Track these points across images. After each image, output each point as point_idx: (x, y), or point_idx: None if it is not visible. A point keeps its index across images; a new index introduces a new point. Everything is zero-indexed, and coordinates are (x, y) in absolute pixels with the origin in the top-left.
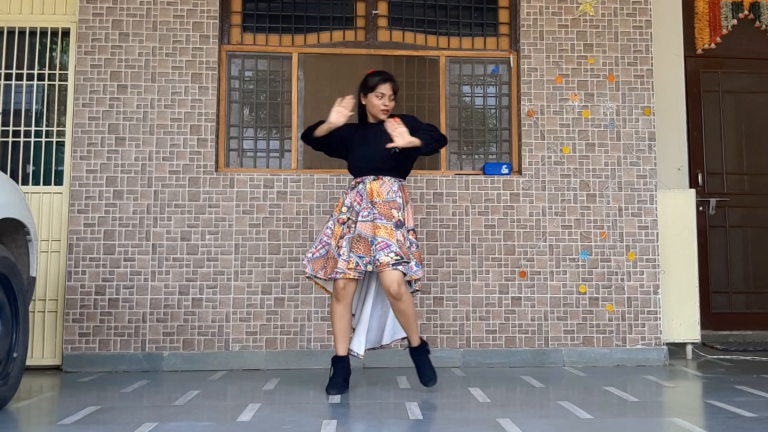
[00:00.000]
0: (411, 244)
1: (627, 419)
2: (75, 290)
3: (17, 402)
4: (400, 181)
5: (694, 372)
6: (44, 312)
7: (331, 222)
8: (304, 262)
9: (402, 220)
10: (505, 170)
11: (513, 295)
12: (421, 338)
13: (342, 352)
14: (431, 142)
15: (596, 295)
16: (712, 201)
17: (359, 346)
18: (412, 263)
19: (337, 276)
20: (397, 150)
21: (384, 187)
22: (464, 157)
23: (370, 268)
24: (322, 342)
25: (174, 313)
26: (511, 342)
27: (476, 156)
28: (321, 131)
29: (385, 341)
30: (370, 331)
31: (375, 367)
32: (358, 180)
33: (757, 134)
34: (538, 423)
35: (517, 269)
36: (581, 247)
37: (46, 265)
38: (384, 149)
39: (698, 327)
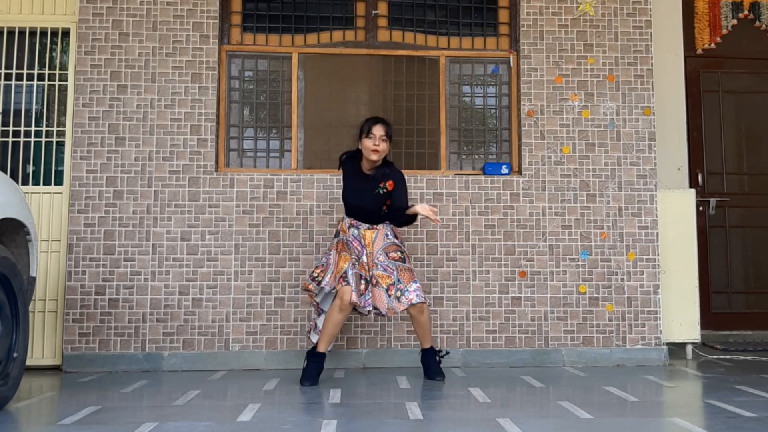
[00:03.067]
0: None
1: (627, 419)
2: (75, 290)
3: (17, 402)
4: (388, 224)
5: (694, 372)
6: (44, 312)
7: (334, 251)
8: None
9: (402, 252)
10: (505, 170)
11: (513, 295)
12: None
13: (322, 349)
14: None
15: (596, 295)
16: (712, 201)
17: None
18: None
19: (366, 307)
20: (383, 191)
21: (378, 235)
22: (464, 157)
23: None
24: None
25: (174, 313)
26: (511, 342)
27: (476, 156)
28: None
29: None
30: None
31: (375, 367)
32: (353, 223)
33: (757, 134)
34: (538, 423)
35: (517, 269)
36: (581, 247)
37: (46, 265)
38: (377, 204)
39: (698, 327)
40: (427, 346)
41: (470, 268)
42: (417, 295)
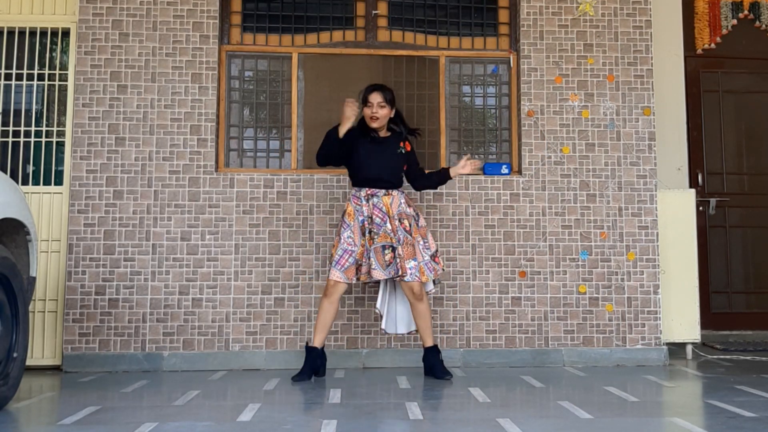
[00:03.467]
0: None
1: (627, 419)
2: (75, 290)
3: (17, 402)
4: (402, 192)
5: (694, 372)
6: (44, 312)
7: (348, 231)
8: (334, 276)
9: (413, 227)
10: (505, 170)
11: (513, 295)
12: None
13: (317, 344)
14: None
15: (596, 295)
16: (712, 201)
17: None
18: (427, 272)
19: (370, 278)
20: (403, 151)
21: (394, 202)
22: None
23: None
24: None
25: (174, 313)
26: (511, 342)
27: (476, 156)
28: (343, 131)
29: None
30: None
31: (375, 367)
32: (370, 192)
33: (757, 134)
34: (538, 423)
35: (517, 269)
36: (581, 247)
37: (46, 265)
38: (392, 164)
39: (698, 327)
40: (429, 344)
41: (470, 268)
42: (411, 274)
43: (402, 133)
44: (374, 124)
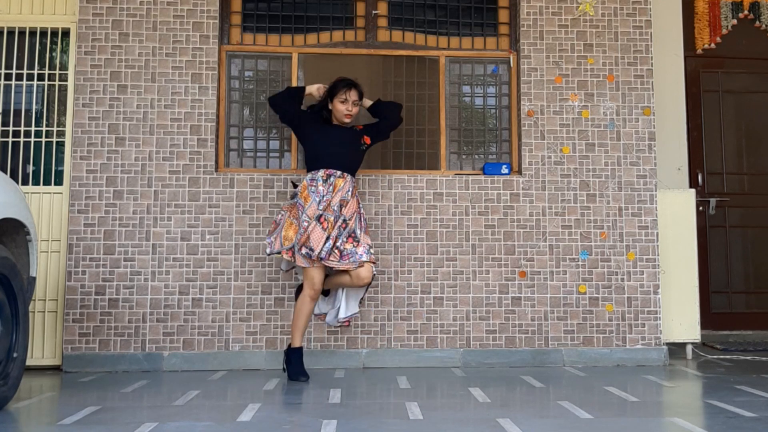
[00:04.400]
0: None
1: (627, 419)
2: (75, 290)
3: (17, 402)
4: (353, 181)
5: (694, 372)
6: (44, 312)
7: (305, 216)
8: (268, 241)
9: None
10: (505, 170)
11: (513, 295)
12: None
13: (299, 344)
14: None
15: (596, 295)
16: (712, 201)
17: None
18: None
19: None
20: (364, 147)
21: (345, 186)
22: (464, 157)
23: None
24: (322, 342)
25: (174, 313)
26: (511, 342)
27: (476, 156)
28: (311, 90)
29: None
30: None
31: (375, 367)
32: (328, 172)
33: (757, 134)
34: (538, 423)
35: (517, 269)
36: (581, 247)
37: (46, 265)
38: (352, 151)
39: (698, 327)
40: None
41: (470, 268)
42: (352, 261)
43: (359, 130)
44: (347, 120)
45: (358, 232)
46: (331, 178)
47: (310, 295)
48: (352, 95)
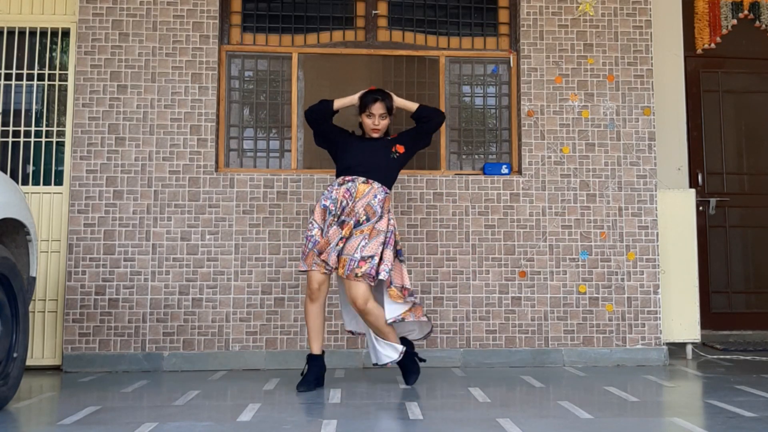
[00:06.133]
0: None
1: (627, 419)
2: (75, 290)
3: (17, 402)
4: (386, 191)
5: (694, 372)
6: (44, 312)
7: (316, 228)
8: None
9: (378, 229)
10: (505, 170)
11: (513, 295)
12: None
13: (317, 351)
14: (427, 110)
15: (596, 295)
16: (712, 201)
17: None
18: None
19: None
20: (396, 155)
21: (371, 192)
22: (464, 157)
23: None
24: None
25: (174, 313)
26: (511, 342)
27: (476, 156)
28: (341, 104)
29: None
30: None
31: (375, 367)
32: (348, 178)
33: (757, 134)
34: (538, 423)
35: (517, 269)
36: (581, 247)
37: (46, 265)
38: (380, 159)
39: (698, 327)
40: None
41: (470, 268)
42: (350, 268)
43: (392, 139)
44: (375, 135)
45: (373, 242)
46: (349, 184)
47: (308, 295)
48: (377, 109)
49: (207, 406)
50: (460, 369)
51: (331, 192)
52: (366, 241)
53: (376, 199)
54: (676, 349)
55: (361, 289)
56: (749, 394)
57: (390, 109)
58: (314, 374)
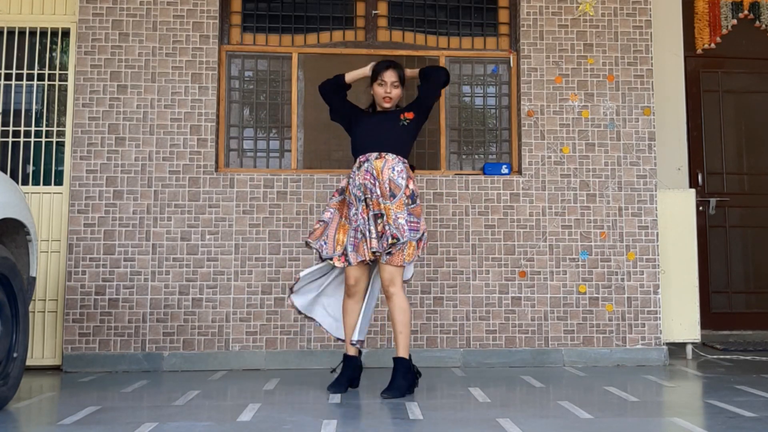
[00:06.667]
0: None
1: (627, 419)
2: (75, 290)
3: (17, 402)
4: (402, 160)
5: (694, 372)
6: (44, 312)
7: (336, 212)
8: (318, 245)
9: (406, 199)
10: (505, 170)
11: (513, 295)
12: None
13: (352, 351)
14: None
15: (596, 295)
16: (712, 201)
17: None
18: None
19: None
20: (407, 122)
21: (387, 165)
22: (464, 157)
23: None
24: (322, 342)
25: (174, 313)
26: (511, 342)
27: (476, 156)
28: (353, 76)
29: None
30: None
31: (375, 367)
32: (362, 159)
33: (757, 134)
34: (538, 423)
35: (517, 269)
36: (581, 247)
37: (46, 265)
38: (389, 128)
39: (698, 327)
40: (400, 354)
41: (470, 268)
42: (400, 232)
43: (402, 106)
44: (387, 105)
45: (404, 214)
46: (365, 164)
47: (345, 291)
48: (389, 76)
49: (207, 406)
50: (460, 369)
51: (354, 178)
52: (401, 214)
53: (395, 171)
54: (676, 349)
55: (397, 273)
56: (749, 394)
57: (402, 79)
58: (346, 376)
